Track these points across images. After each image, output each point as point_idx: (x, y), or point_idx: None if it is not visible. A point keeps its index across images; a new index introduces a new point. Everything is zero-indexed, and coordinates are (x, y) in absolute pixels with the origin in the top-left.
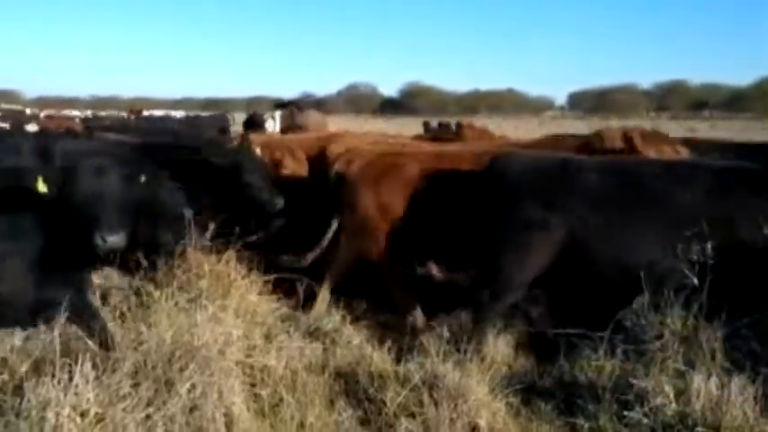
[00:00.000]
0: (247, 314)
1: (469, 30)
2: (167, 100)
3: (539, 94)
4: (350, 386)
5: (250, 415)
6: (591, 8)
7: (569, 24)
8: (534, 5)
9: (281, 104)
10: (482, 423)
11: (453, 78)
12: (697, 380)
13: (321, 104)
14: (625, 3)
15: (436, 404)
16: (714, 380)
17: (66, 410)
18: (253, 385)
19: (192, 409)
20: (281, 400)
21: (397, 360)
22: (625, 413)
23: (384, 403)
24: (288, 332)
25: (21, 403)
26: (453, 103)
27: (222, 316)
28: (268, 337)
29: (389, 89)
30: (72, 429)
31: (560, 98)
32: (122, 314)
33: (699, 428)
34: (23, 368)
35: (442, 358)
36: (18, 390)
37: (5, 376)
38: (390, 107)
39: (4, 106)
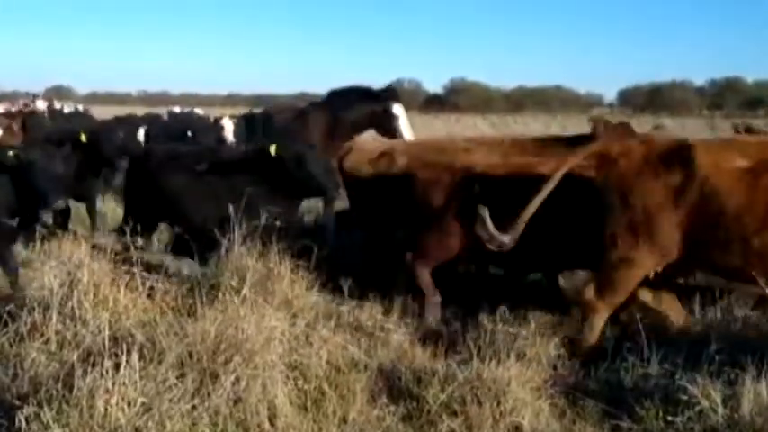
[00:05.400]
0: (290, 308)
1: (516, 24)
2: (215, 96)
3: (587, 91)
4: (392, 383)
5: (293, 409)
6: (642, 1)
7: (619, 18)
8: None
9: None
10: (525, 423)
11: (499, 74)
12: (747, 383)
13: None
14: None
15: (479, 403)
16: (764, 383)
17: (115, 399)
18: (295, 379)
19: (236, 402)
20: (324, 394)
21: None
22: (672, 417)
23: (426, 401)
24: (330, 327)
25: (71, 392)
26: (499, 100)
27: (265, 309)
28: (310, 332)
29: (434, 85)
30: (120, 418)
31: (610, 95)
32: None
33: None
34: (73, 357)
35: (485, 357)
36: (68, 378)
37: (56, 365)
38: (436, 103)
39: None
